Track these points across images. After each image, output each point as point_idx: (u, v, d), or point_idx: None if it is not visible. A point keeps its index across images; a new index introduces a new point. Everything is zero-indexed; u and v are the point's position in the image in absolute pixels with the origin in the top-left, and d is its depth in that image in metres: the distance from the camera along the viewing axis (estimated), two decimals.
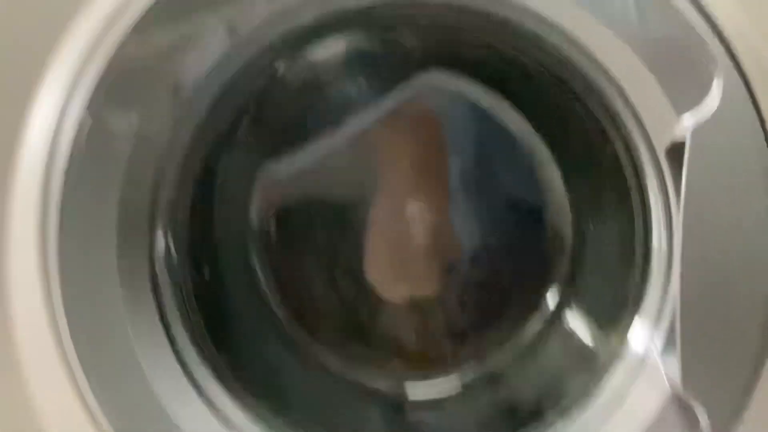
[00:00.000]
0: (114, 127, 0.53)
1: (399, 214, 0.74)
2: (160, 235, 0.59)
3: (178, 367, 0.58)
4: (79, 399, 0.55)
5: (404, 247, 0.74)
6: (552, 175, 0.73)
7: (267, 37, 0.56)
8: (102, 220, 0.54)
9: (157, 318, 0.58)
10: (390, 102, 0.72)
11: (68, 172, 0.53)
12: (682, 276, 0.52)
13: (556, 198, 0.73)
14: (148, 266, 0.57)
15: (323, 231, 0.73)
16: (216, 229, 0.72)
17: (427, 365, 0.76)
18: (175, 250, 0.62)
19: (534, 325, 0.75)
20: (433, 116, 0.73)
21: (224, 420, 0.60)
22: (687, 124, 0.52)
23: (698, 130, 0.51)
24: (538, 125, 0.72)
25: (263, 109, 0.70)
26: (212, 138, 0.63)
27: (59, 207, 0.53)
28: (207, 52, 0.54)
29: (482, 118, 0.73)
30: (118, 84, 0.53)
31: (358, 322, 0.75)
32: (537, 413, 0.66)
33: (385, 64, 0.72)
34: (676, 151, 0.53)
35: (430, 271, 0.75)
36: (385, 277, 0.74)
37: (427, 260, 0.75)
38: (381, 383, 0.74)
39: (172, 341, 0.58)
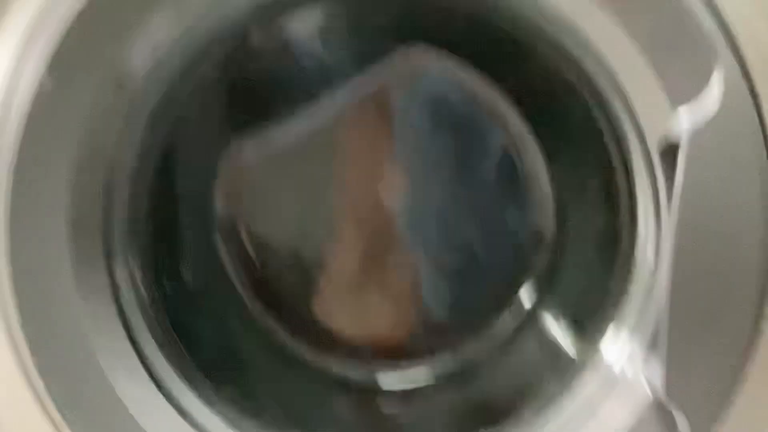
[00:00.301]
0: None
1: (372, 198, 0.71)
2: (117, 238, 0.56)
3: (144, 372, 0.56)
4: (41, 412, 0.53)
5: (377, 233, 0.72)
6: (536, 164, 0.71)
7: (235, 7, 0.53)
8: (53, 225, 0.51)
9: (118, 321, 0.55)
10: (365, 79, 0.69)
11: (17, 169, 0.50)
12: (673, 282, 0.50)
13: (539, 188, 0.71)
14: (105, 267, 0.54)
15: (292, 215, 0.71)
16: (179, 220, 0.69)
17: (400, 354, 0.74)
18: (134, 247, 0.59)
19: (509, 320, 0.73)
20: (411, 97, 0.70)
21: (194, 424, 0.58)
22: (683, 118, 0.49)
23: (695, 134, 0.49)
24: (524, 111, 0.70)
25: (226, 87, 0.68)
26: (170, 123, 0.61)
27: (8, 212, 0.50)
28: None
29: (464, 101, 0.70)
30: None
31: (329, 310, 0.73)
32: (511, 410, 0.65)
33: (363, 37, 0.69)
34: (669, 152, 0.51)
35: (404, 258, 0.73)
36: (356, 264, 0.72)
37: (401, 247, 0.73)
38: (353, 372, 0.73)
39: (135, 345, 0.56)
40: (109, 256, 0.55)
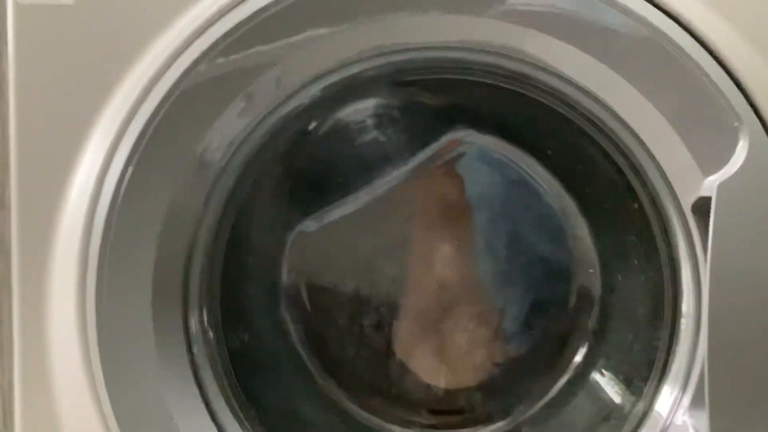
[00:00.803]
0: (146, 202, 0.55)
1: (428, 271, 0.74)
2: (193, 301, 0.61)
3: (213, 427, 0.59)
4: None
5: (434, 301, 0.75)
6: (580, 229, 0.74)
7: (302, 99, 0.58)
8: (137, 291, 0.56)
9: (192, 378, 0.59)
10: (418, 160, 0.73)
11: (103, 245, 0.55)
12: (710, 332, 0.52)
13: (584, 254, 0.74)
14: (182, 326, 0.59)
15: (352, 288, 0.74)
16: (248, 289, 0.73)
17: (455, 420, 0.76)
18: (208, 314, 0.63)
19: (561, 382, 0.74)
20: (460, 174, 0.74)
21: None
22: (713, 185, 0.52)
23: (724, 185, 0.51)
24: (566, 181, 0.73)
25: (292, 171, 0.72)
26: (242, 203, 0.65)
27: (96, 282, 0.56)
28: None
29: (509, 175, 0.74)
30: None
31: (387, 376, 0.75)
32: None
33: (414, 123, 0.73)
34: (702, 207, 0.53)
35: (459, 328, 0.75)
36: (415, 330, 0.75)
37: (456, 317, 0.75)
38: None
39: (206, 401, 0.60)
40: (185, 313, 0.59)
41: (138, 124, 0.55)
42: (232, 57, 0.55)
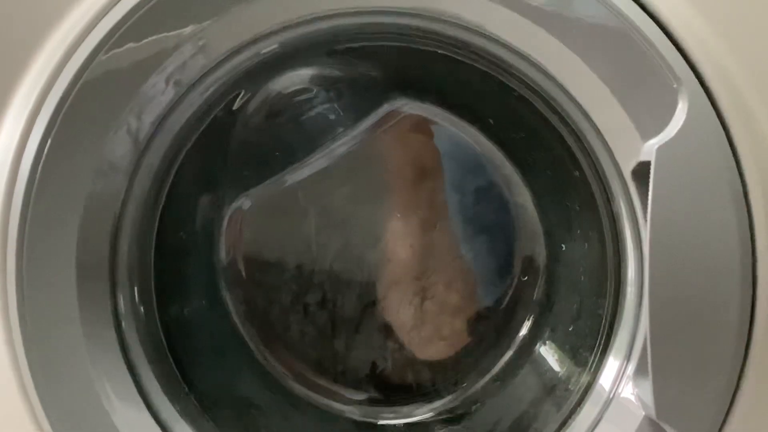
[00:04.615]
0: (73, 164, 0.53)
1: (370, 240, 0.73)
2: (122, 278, 0.59)
3: (143, 405, 0.58)
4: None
5: (376, 274, 0.74)
6: (523, 197, 0.73)
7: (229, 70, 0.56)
8: (61, 262, 0.54)
9: (120, 357, 0.57)
10: (357, 131, 0.72)
11: (21, 227, 0.53)
12: (651, 298, 0.50)
13: (528, 223, 0.73)
14: (110, 305, 0.57)
15: (292, 260, 0.73)
16: (185, 268, 0.71)
17: (403, 396, 0.75)
18: (140, 291, 0.61)
19: (507, 355, 0.74)
20: (401, 144, 0.73)
21: None
22: (652, 149, 0.51)
23: (663, 148, 0.50)
24: (508, 150, 0.72)
25: (225, 145, 0.70)
26: (173, 180, 0.64)
27: (17, 244, 0.53)
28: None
29: (451, 144, 0.73)
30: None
31: (329, 350, 0.75)
32: None
33: (351, 93, 0.71)
34: (642, 172, 0.52)
35: (405, 297, 0.75)
36: (358, 309, 0.74)
37: (402, 286, 0.74)
38: (351, 409, 0.74)
39: (137, 380, 0.58)
40: (113, 291, 0.58)
41: (53, 100, 0.53)
42: (151, 27, 0.52)
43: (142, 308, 0.61)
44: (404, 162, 0.73)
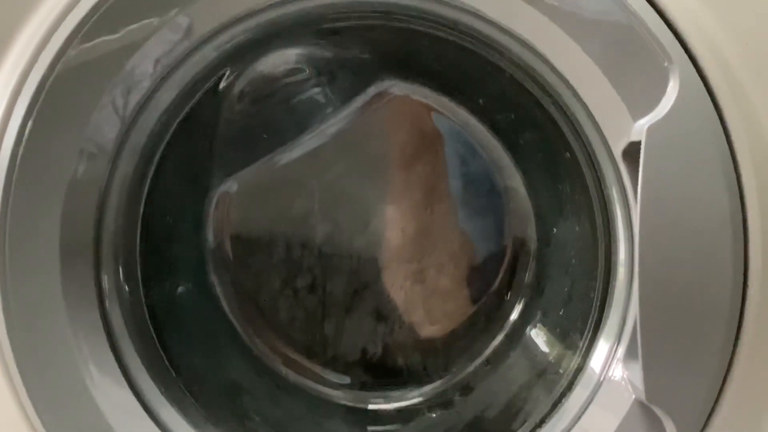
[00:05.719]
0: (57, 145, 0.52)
1: (358, 223, 0.73)
2: (107, 257, 0.58)
3: (127, 388, 0.57)
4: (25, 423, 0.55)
5: (365, 257, 0.73)
6: (513, 179, 0.72)
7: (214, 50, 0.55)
8: (44, 242, 0.53)
9: (104, 339, 0.57)
10: (345, 113, 0.71)
11: (6, 188, 0.52)
12: (641, 279, 0.50)
13: (519, 206, 0.72)
14: (94, 287, 0.56)
15: (282, 244, 0.72)
16: (171, 249, 0.70)
17: (394, 380, 0.75)
18: (124, 270, 0.61)
19: (498, 338, 0.74)
20: (390, 126, 0.72)
21: None
22: (642, 128, 0.50)
23: (654, 128, 0.49)
24: (498, 131, 0.72)
25: (211, 126, 0.70)
26: (159, 161, 0.63)
27: None
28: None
29: (441, 126, 0.72)
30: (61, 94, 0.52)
31: (318, 334, 0.74)
32: (502, 428, 0.65)
33: (339, 74, 0.71)
34: (633, 153, 0.52)
35: (394, 280, 0.74)
36: (349, 293, 0.74)
37: (390, 269, 0.74)
38: (341, 394, 0.74)
39: (121, 363, 0.58)
40: (98, 273, 0.57)
41: (34, 79, 0.52)
42: (135, 6, 0.52)
43: (127, 289, 0.61)
44: (397, 144, 0.72)
